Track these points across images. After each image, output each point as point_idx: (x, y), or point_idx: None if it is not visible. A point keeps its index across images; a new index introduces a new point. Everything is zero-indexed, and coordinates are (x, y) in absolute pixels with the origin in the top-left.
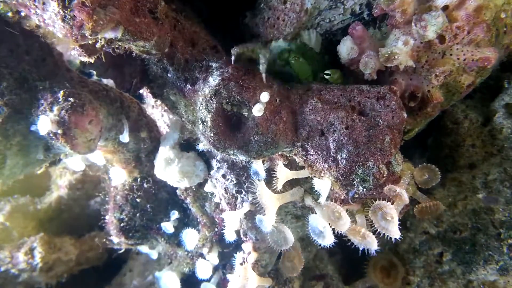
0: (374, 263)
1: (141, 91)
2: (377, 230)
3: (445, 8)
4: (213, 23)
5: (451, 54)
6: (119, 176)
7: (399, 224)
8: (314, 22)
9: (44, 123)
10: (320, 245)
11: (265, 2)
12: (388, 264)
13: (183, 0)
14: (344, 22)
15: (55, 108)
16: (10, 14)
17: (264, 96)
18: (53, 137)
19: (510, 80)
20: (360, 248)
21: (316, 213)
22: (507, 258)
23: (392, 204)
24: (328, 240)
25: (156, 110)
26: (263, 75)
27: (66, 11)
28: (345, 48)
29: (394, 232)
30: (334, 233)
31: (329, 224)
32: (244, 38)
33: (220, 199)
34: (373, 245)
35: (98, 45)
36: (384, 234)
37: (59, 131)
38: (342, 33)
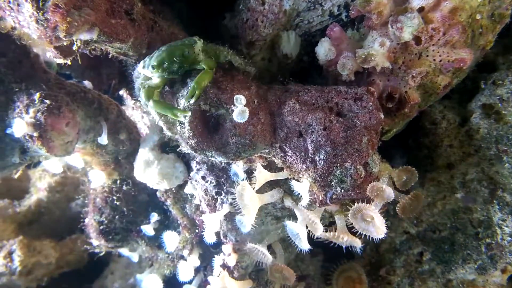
0: (341, 271)
1: (120, 92)
2: (358, 231)
3: (421, 9)
4: (193, 24)
5: (427, 55)
6: (98, 179)
7: None
8: (293, 24)
9: (20, 126)
10: (297, 246)
11: (244, 3)
12: (356, 277)
13: (162, 1)
14: (323, 23)
15: (31, 110)
16: None
17: (241, 100)
18: (29, 139)
19: (487, 81)
20: (344, 247)
21: (295, 215)
22: (485, 257)
23: (369, 204)
24: (303, 245)
25: (136, 112)
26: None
27: (40, 13)
28: (323, 50)
29: (375, 232)
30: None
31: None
32: (223, 39)
33: (200, 201)
34: (357, 244)
35: (74, 47)
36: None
37: (35, 134)
38: (321, 34)
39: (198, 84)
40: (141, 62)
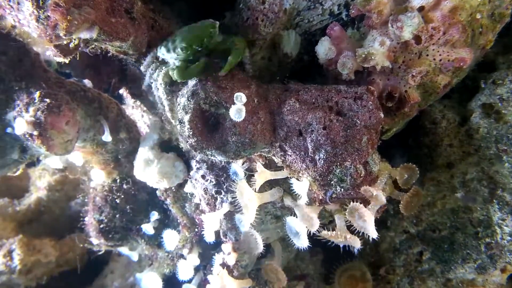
0: (344, 269)
1: (120, 91)
2: (356, 229)
3: (421, 9)
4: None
5: (427, 55)
6: (98, 177)
7: (378, 223)
8: (293, 23)
9: (20, 124)
10: (295, 246)
11: (244, 2)
12: (359, 275)
13: (162, 0)
14: (323, 22)
15: (31, 109)
16: None
17: (241, 97)
18: (29, 138)
19: (487, 80)
20: (341, 246)
21: (295, 214)
22: (485, 257)
23: (368, 204)
24: (302, 242)
25: (136, 111)
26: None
27: (40, 11)
28: (323, 49)
29: (372, 231)
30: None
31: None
32: None
33: (200, 200)
34: (356, 243)
35: (73, 45)
36: (365, 234)
37: (35, 132)
38: (321, 33)
39: (235, 59)
40: (162, 48)
